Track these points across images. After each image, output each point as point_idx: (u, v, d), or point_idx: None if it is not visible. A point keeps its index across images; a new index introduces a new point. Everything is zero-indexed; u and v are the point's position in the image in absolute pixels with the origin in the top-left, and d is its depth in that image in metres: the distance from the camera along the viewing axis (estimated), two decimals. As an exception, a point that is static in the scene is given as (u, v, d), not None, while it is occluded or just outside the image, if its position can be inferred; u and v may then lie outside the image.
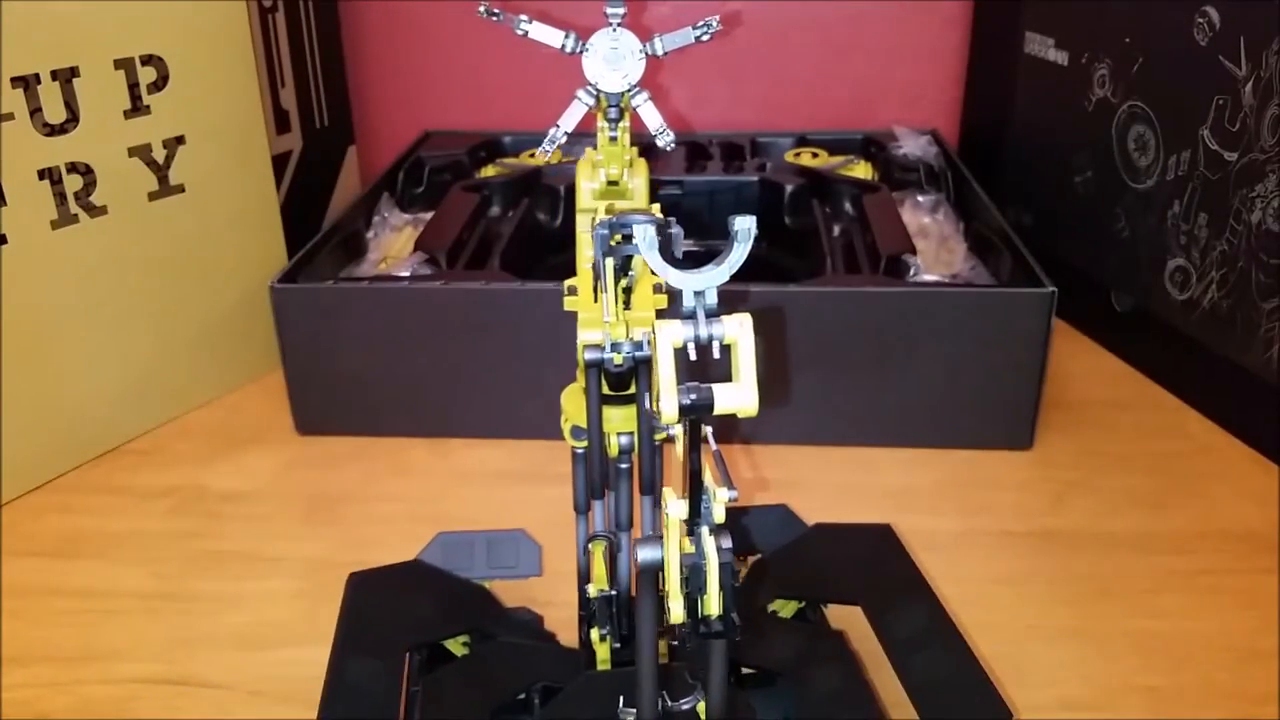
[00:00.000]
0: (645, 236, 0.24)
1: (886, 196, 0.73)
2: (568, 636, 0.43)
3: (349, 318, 0.59)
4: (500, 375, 0.59)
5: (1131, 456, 0.59)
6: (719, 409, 0.24)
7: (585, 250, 0.32)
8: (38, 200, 0.54)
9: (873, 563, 0.42)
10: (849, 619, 0.41)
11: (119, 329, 0.60)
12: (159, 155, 0.60)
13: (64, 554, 0.52)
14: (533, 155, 0.85)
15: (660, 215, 0.27)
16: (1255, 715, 0.41)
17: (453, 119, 0.92)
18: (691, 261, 0.24)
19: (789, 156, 0.83)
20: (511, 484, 0.57)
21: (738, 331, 0.24)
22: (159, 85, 0.59)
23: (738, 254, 0.24)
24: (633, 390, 0.32)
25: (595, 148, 0.31)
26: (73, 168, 0.56)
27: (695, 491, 0.26)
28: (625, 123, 0.30)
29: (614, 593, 0.36)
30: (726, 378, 0.25)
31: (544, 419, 0.60)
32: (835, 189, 0.75)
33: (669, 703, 0.32)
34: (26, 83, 0.53)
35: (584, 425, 0.32)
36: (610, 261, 0.28)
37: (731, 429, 0.59)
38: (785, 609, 0.43)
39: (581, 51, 0.27)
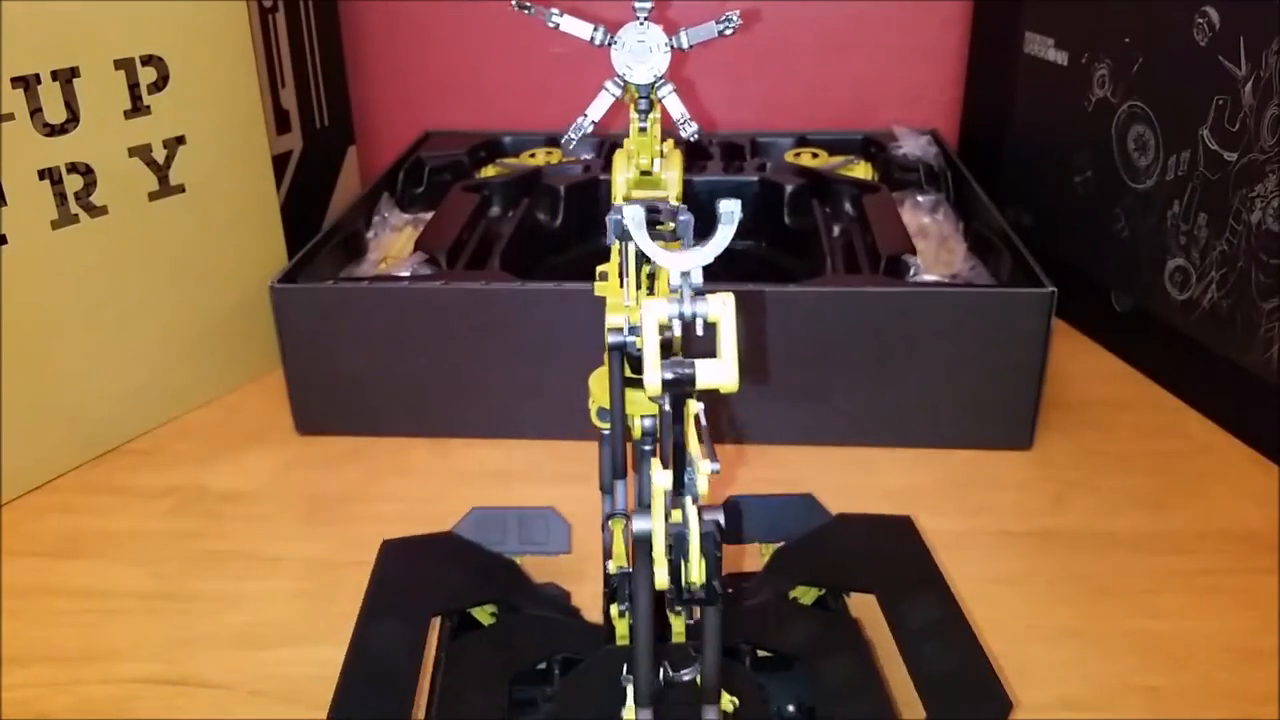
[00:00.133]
0: (634, 218, 0.25)
1: (886, 196, 0.73)
2: (594, 614, 0.44)
3: (349, 318, 0.59)
4: (500, 375, 0.59)
5: (1131, 456, 0.59)
6: (700, 384, 0.25)
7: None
8: (38, 200, 0.54)
9: (890, 553, 0.43)
10: (868, 607, 0.41)
11: (119, 329, 0.60)
12: (159, 155, 0.60)
13: (64, 554, 0.52)
14: (533, 155, 0.85)
15: (678, 204, 0.28)
16: (1255, 715, 0.41)
17: (453, 119, 0.92)
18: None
19: (789, 156, 0.83)
20: (512, 484, 0.57)
21: (720, 310, 0.25)
22: (159, 85, 0.59)
23: (722, 235, 0.25)
24: None
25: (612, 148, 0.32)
26: (73, 168, 0.56)
27: (679, 464, 0.27)
28: (655, 114, 0.30)
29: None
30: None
31: (544, 419, 0.60)
32: (835, 189, 0.75)
33: (670, 673, 0.33)
34: (27, 83, 0.53)
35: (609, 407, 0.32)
36: (630, 246, 0.28)
37: (731, 429, 0.59)
38: (806, 596, 0.44)
39: (610, 44, 0.28)
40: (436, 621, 0.42)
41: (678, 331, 0.25)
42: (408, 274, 0.64)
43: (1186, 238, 0.62)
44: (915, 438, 0.58)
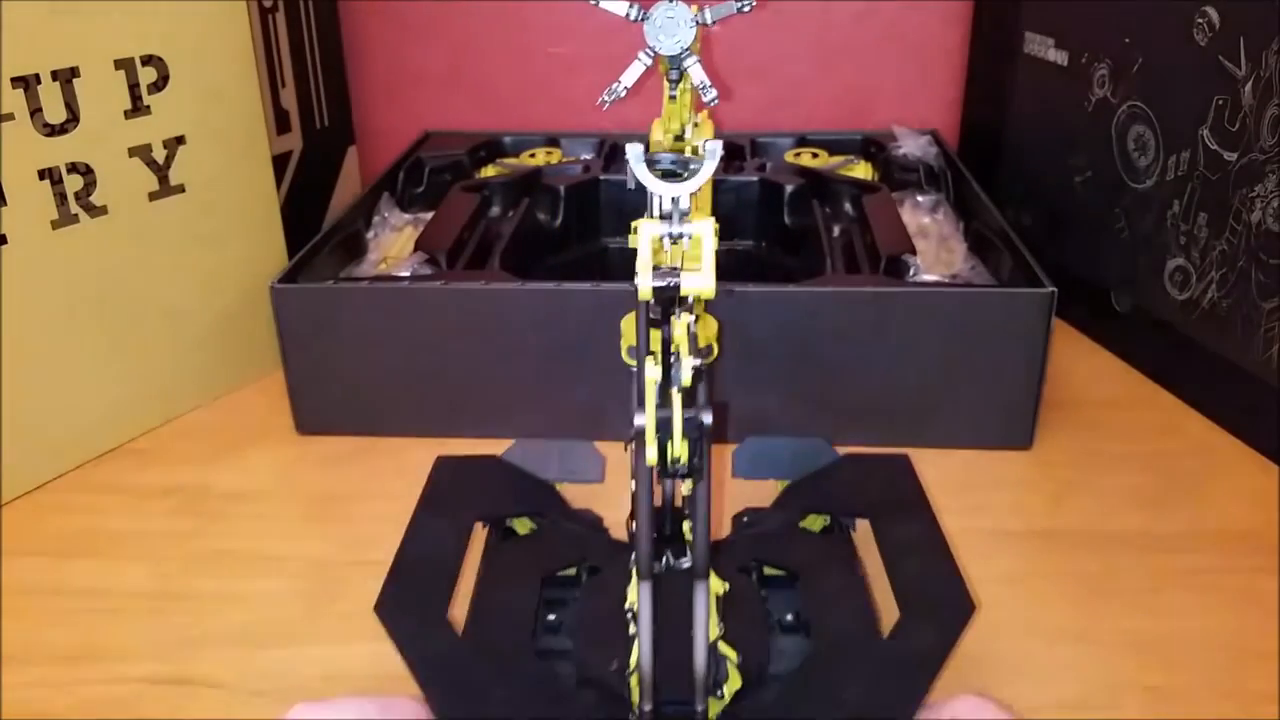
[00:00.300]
0: (634, 153, 0.30)
1: (886, 197, 0.73)
2: (621, 534, 0.48)
3: (349, 318, 0.59)
4: (500, 375, 0.59)
5: (1131, 456, 0.59)
6: (684, 290, 0.30)
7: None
8: (38, 200, 0.55)
9: (886, 486, 0.48)
10: (867, 533, 0.46)
11: (119, 329, 0.60)
12: (159, 155, 0.60)
13: (65, 553, 0.52)
14: (533, 155, 0.85)
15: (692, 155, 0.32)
16: (1255, 715, 0.41)
17: (453, 119, 0.92)
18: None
19: (789, 157, 0.83)
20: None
21: (702, 230, 0.30)
22: (159, 85, 0.59)
23: (707, 169, 0.30)
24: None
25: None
26: (73, 168, 0.56)
27: (666, 358, 0.32)
28: (684, 84, 0.35)
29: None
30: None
31: (544, 419, 0.60)
32: (835, 189, 0.75)
33: (671, 561, 0.40)
34: (27, 83, 0.53)
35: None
36: (654, 197, 0.32)
37: (731, 428, 0.59)
38: (814, 524, 0.49)
39: (643, 20, 0.32)
40: (481, 534, 0.47)
41: (668, 247, 0.30)
42: (408, 274, 0.64)
43: (1186, 238, 0.62)
44: (915, 437, 0.58)
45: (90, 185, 0.57)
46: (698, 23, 0.33)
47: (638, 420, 0.31)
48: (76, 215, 0.56)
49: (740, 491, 0.54)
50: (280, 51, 0.77)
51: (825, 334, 0.57)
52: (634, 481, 0.41)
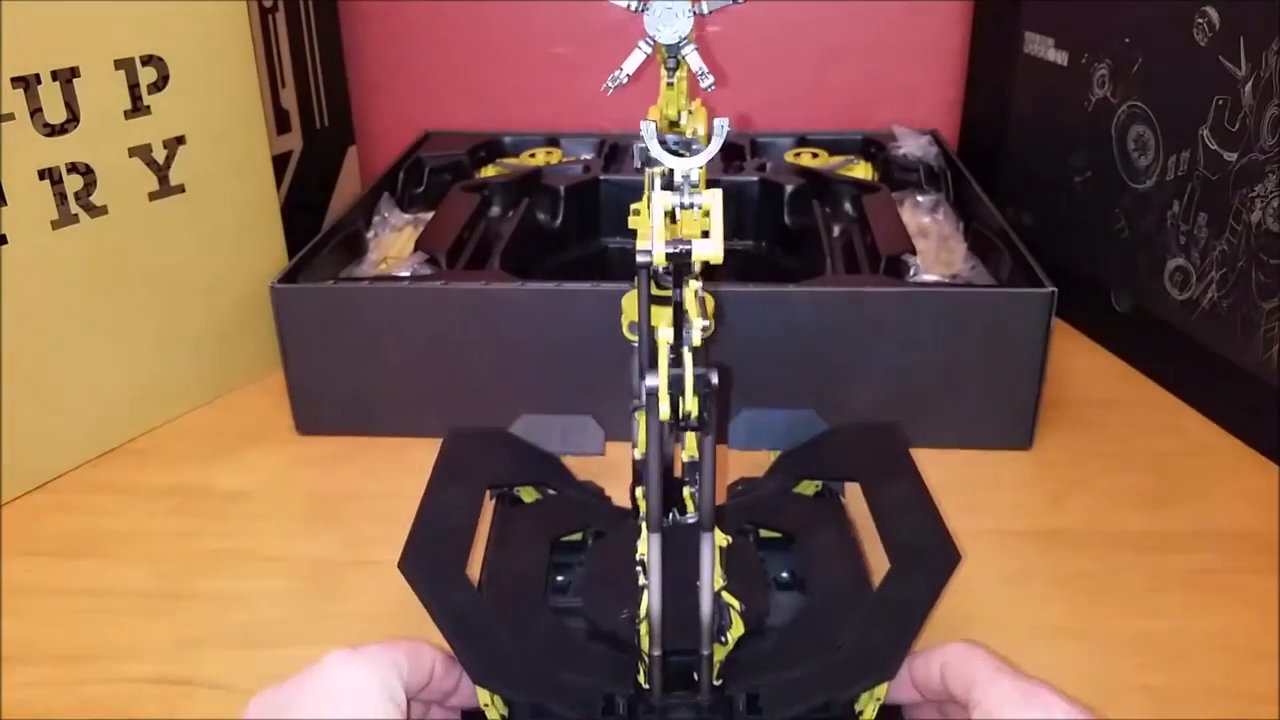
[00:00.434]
0: (647, 130, 0.32)
1: (886, 196, 0.73)
2: (624, 502, 0.51)
3: (349, 318, 0.59)
4: (500, 375, 0.59)
5: (1131, 456, 0.59)
6: (695, 256, 0.32)
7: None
8: (38, 200, 0.55)
9: (874, 451, 0.50)
10: (859, 497, 0.47)
11: (119, 328, 0.60)
12: (159, 155, 0.60)
13: (65, 553, 0.52)
14: (533, 155, 0.85)
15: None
16: (1255, 715, 0.41)
17: (453, 119, 0.92)
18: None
19: (789, 157, 0.83)
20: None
21: (711, 200, 0.32)
22: (159, 85, 0.59)
23: (714, 145, 0.32)
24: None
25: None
26: (73, 168, 0.56)
27: (678, 320, 0.34)
28: (681, 71, 0.37)
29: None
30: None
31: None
32: (835, 189, 0.75)
33: (678, 517, 0.43)
34: (27, 83, 0.53)
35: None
36: (655, 176, 0.34)
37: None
38: (808, 489, 0.51)
39: (643, 10, 0.34)
40: (489, 505, 0.50)
41: (678, 216, 0.32)
42: (408, 274, 0.64)
43: (1186, 238, 0.62)
44: (914, 437, 0.58)
45: (90, 185, 0.57)
46: (694, 13, 0.34)
47: (650, 381, 0.33)
48: (77, 215, 0.56)
49: (735, 464, 0.56)
50: (280, 51, 0.77)
51: (825, 334, 0.57)
52: (635, 449, 0.44)
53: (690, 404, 0.33)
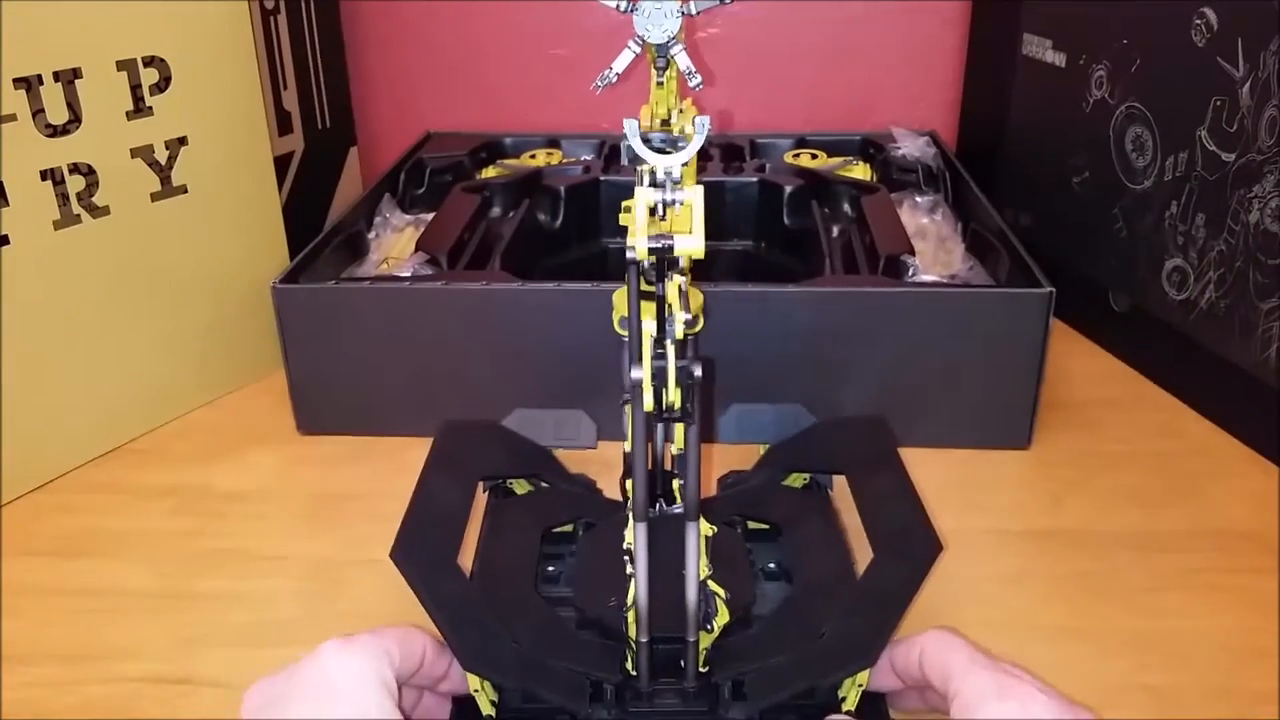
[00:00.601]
0: (630, 127, 0.33)
1: (885, 197, 0.73)
2: (614, 494, 0.51)
3: (350, 318, 0.59)
4: (500, 375, 0.60)
5: (1129, 456, 0.59)
6: (677, 251, 0.33)
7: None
8: (40, 201, 0.55)
9: (861, 443, 0.50)
10: (845, 487, 0.48)
11: (121, 329, 0.60)
12: (161, 156, 0.60)
13: (66, 553, 0.52)
14: (533, 156, 0.85)
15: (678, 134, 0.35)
16: (1254, 715, 0.41)
17: (454, 120, 0.93)
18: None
19: (788, 158, 0.83)
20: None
21: (692, 197, 0.33)
22: (161, 86, 0.59)
23: (695, 142, 0.33)
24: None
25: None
26: (75, 168, 0.56)
27: (661, 314, 0.35)
28: (671, 71, 0.37)
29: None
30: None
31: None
32: (834, 190, 0.76)
33: (665, 508, 0.44)
34: (29, 84, 0.53)
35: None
36: (644, 173, 0.35)
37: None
38: (795, 482, 0.52)
39: (631, 11, 0.34)
40: (482, 495, 0.50)
41: (660, 213, 0.33)
42: (409, 274, 0.64)
43: (1184, 238, 0.63)
44: (913, 437, 0.59)
45: (92, 186, 0.57)
46: (683, 13, 0.34)
47: (634, 374, 0.34)
48: (79, 216, 0.57)
49: (725, 457, 0.56)
50: (282, 53, 0.78)
51: (824, 334, 0.58)
52: (626, 443, 0.45)
53: (673, 395, 0.34)
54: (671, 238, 0.33)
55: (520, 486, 0.52)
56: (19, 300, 0.54)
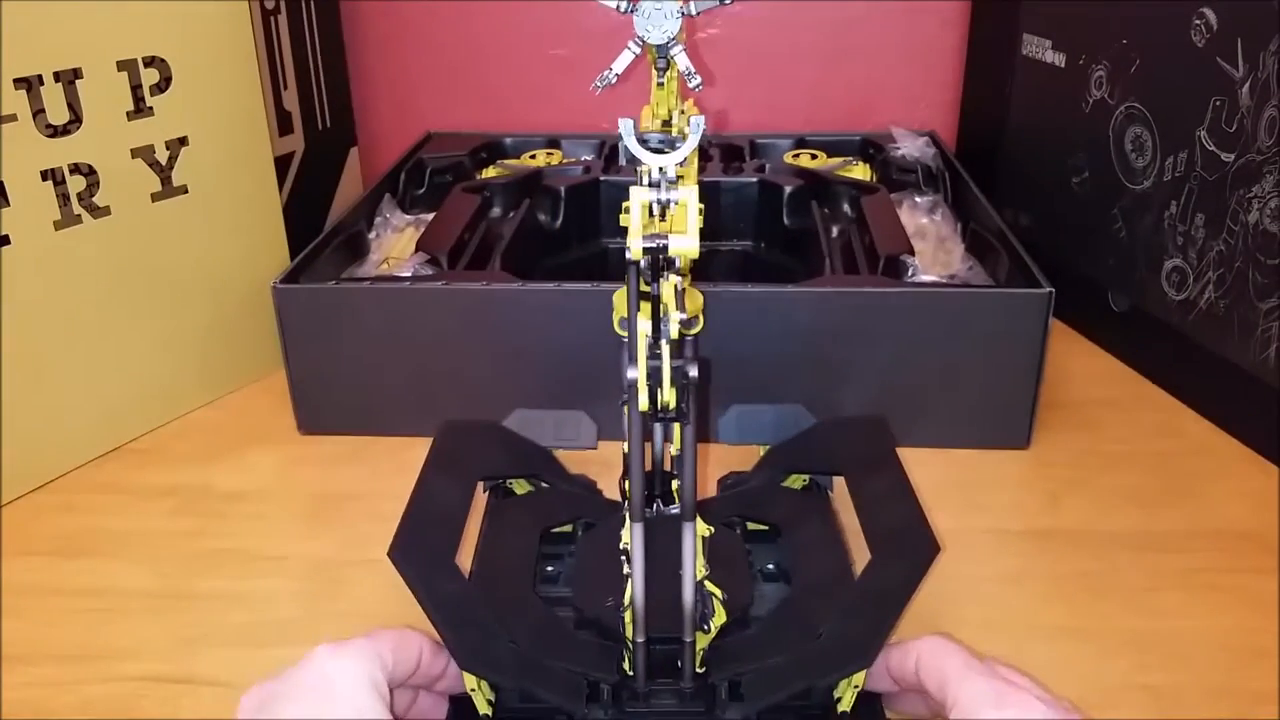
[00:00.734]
0: (625, 127, 0.33)
1: (885, 198, 0.73)
2: (614, 495, 0.51)
3: (351, 318, 0.60)
4: (500, 375, 0.60)
5: (1128, 456, 0.59)
6: (671, 250, 0.33)
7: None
8: (40, 201, 0.55)
9: (860, 444, 0.50)
10: (844, 489, 0.48)
11: (121, 329, 0.60)
12: (162, 156, 0.60)
13: (66, 553, 0.52)
14: (534, 156, 0.85)
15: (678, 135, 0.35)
16: (1254, 715, 0.41)
17: (454, 120, 0.93)
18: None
19: (788, 158, 0.83)
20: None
21: (687, 196, 0.33)
22: (162, 87, 0.59)
23: (691, 142, 0.33)
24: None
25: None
26: (75, 169, 0.56)
27: (656, 313, 0.35)
28: (671, 72, 0.38)
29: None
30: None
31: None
32: (834, 190, 0.76)
33: (662, 508, 0.44)
34: (29, 84, 0.53)
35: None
36: (642, 171, 0.35)
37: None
38: (795, 483, 0.52)
39: (631, 11, 0.34)
40: (482, 495, 0.50)
41: (656, 211, 0.33)
42: (409, 274, 0.64)
43: (1184, 238, 0.63)
44: (913, 437, 0.59)
45: (93, 186, 0.57)
46: (683, 14, 0.35)
47: (630, 373, 0.34)
48: (79, 216, 0.57)
49: (725, 458, 0.57)
50: (282, 53, 0.78)
51: (824, 334, 0.58)
52: (625, 443, 0.44)
53: (668, 395, 0.35)
54: (666, 237, 0.33)
55: (520, 487, 0.52)
56: (19, 300, 0.55)
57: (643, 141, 0.33)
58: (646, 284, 0.37)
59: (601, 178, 0.78)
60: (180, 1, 0.59)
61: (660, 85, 0.39)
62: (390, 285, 0.60)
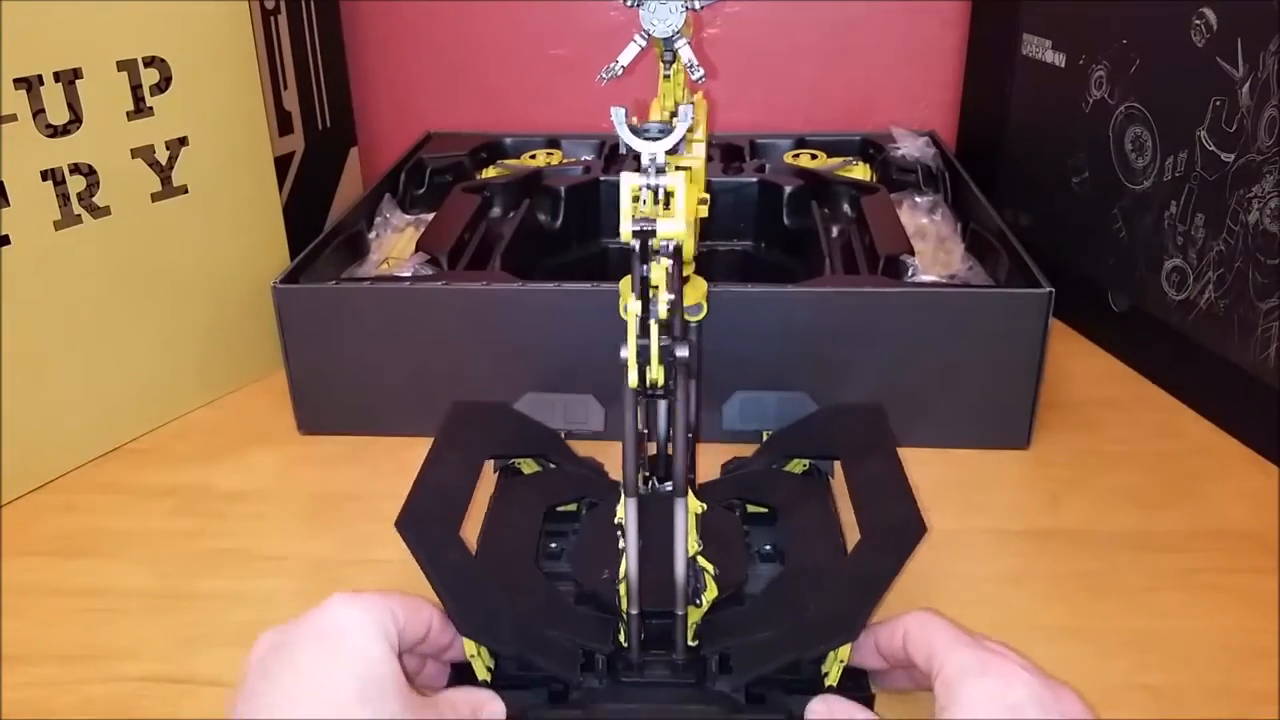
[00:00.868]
0: (617, 116, 0.34)
1: (885, 198, 0.73)
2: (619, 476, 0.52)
3: (351, 318, 0.60)
4: (500, 375, 0.60)
5: (1128, 456, 0.59)
6: (660, 234, 0.34)
7: None
8: (41, 201, 0.55)
9: (857, 431, 0.51)
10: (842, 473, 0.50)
11: (121, 329, 0.60)
12: (162, 156, 0.60)
13: (66, 553, 0.52)
14: (534, 156, 0.85)
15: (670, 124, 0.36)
16: (1254, 715, 0.41)
17: (454, 120, 0.93)
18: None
19: (788, 158, 0.83)
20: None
21: (676, 181, 0.34)
22: (162, 87, 0.59)
23: (679, 130, 0.34)
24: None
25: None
26: (75, 169, 0.56)
27: (645, 294, 0.35)
28: (677, 64, 0.38)
29: (644, 431, 0.43)
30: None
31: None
32: (834, 190, 0.76)
33: (657, 485, 0.46)
34: (29, 84, 0.53)
35: None
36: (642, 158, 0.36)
37: (731, 435, 0.59)
38: (796, 467, 0.54)
39: (638, 5, 0.35)
40: (490, 474, 0.52)
41: (645, 196, 0.34)
42: (409, 274, 0.64)
43: (1184, 238, 0.63)
44: (913, 437, 0.59)
45: (93, 186, 0.57)
46: (687, 8, 0.35)
47: (623, 352, 0.35)
48: (79, 216, 0.57)
49: (730, 446, 0.57)
50: (282, 53, 0.78)
51: (824, 334, 0.58)
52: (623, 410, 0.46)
53: (656, 373, 0.36)
54: (653, 220, 0.34)
55: (528, 466, 0.54)
56: (19, 300, 0.55)
57: (642, 130, 0.34)
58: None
59: (601, 178, 0.78)
60: (180, 1, 0.59)
61: (666, 78, 0.39)
62: (390, 285, 0.60)
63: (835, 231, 0.71)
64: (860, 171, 0.81)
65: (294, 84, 0.79)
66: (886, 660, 0.39)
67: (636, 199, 0.34)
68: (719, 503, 0.48)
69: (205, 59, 0.61)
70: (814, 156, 0.83)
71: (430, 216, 0.74)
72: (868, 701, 0.40)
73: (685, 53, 0.36)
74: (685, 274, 0.37)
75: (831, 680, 0.39)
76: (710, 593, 0.40)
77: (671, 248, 0.35)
